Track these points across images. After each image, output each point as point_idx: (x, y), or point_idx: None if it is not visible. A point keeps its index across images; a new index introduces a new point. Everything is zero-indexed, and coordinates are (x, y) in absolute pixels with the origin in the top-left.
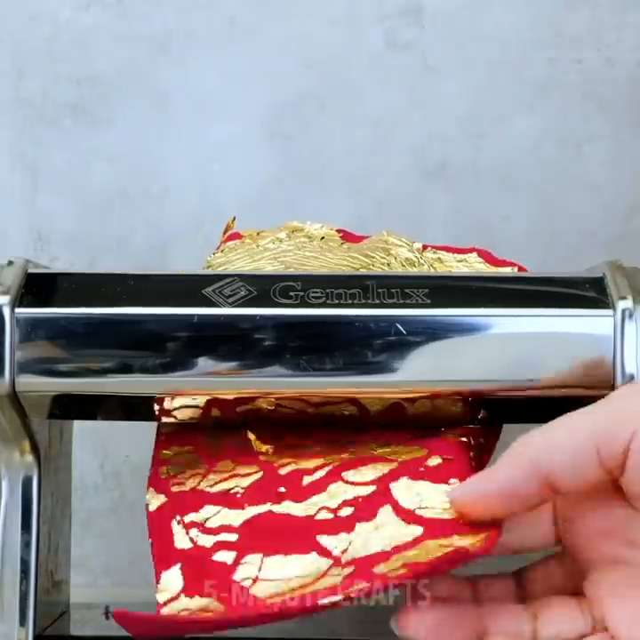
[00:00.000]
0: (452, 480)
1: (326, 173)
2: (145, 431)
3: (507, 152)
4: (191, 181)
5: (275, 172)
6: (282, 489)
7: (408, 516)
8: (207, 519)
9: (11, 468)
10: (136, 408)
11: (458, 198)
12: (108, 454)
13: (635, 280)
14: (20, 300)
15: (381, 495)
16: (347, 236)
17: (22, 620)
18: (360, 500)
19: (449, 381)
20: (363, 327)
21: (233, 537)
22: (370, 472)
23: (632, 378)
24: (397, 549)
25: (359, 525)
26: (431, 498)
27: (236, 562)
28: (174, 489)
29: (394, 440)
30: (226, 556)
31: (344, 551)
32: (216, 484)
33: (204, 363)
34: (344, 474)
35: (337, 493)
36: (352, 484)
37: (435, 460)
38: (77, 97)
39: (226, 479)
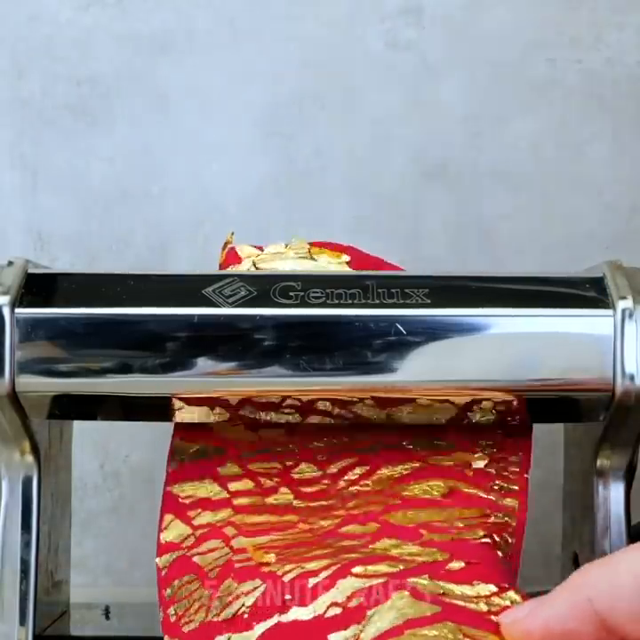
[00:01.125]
0: (475, 582)
1: (326, 173)
2: (145, 431)
3: (507, 152)
4: (191, 181)
5: (274, 172)
6: (288, 596)
7: (426, 598)
8: None
9: (11, 468)
10: (136, 408)
11: (458, 198)
12: (108, 454)
13: (635, 280)
14: (20, 300)
15: (397, 584)
16: (356, 263)
17: (22, 620)
18: (372, 588)
19: (449, 381)
20: (363, 327)
21: None
22: (384, 567)
23: (632, 378)
24: (410, 623)
25: (370, 611)
26: (453, 591)
27: None
28: (185, 629)
29: (408, 537)
30: None
31: (356, 639)
32: (222, 610)
33: (203, 363)
34: (354, 569)
35: (346, 587)
36: (364, 576)
37: (458, 564)
38: (77, 97)
39: (230, 602)
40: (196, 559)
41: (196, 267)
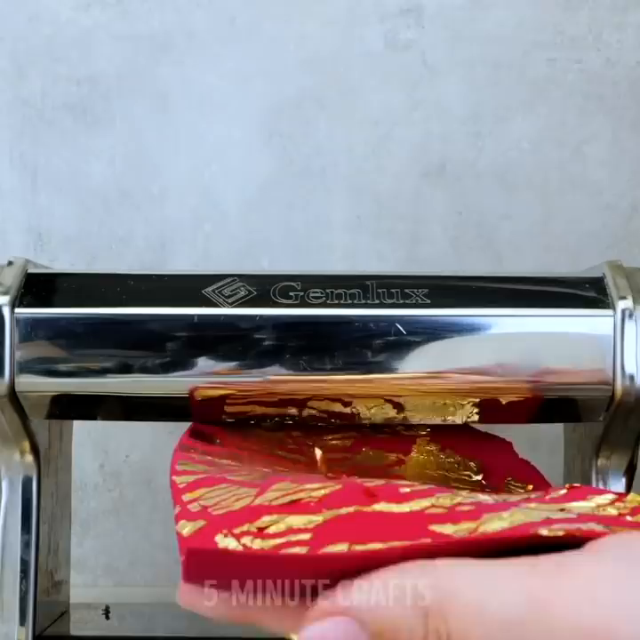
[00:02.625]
0: (589, 496)
1: (326, 173)
2: (145, 431)
3: (507, 152)
4: (191, 181)
5: (274, 172)
6: (374, 495)
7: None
8: (268, 526)
9: (11, 468)
10: (136, 408)
11: (458, 198)
12: (108, 454)
13: (635, 280)
14: (20, 299)
15: (510, 503)
16: None
17: (22, 620)
18: (482, 503)
19: (448, 381)
20: (363, 327)
21: (305, 536)
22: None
23: (632, 378)
24: (543, 523)
25: (487, 515)
26: (572, 508)
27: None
28: (217, 512)
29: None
30: (296, 551)
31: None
32: (277, 499)
33: (203, 363)
34: (457, 491)
35: (448, 497)
36: (469, 491)
37: (559, 492)
38: (77, 97)
39: (290, 493)
40: (229, 476)
41: (196, 267)
